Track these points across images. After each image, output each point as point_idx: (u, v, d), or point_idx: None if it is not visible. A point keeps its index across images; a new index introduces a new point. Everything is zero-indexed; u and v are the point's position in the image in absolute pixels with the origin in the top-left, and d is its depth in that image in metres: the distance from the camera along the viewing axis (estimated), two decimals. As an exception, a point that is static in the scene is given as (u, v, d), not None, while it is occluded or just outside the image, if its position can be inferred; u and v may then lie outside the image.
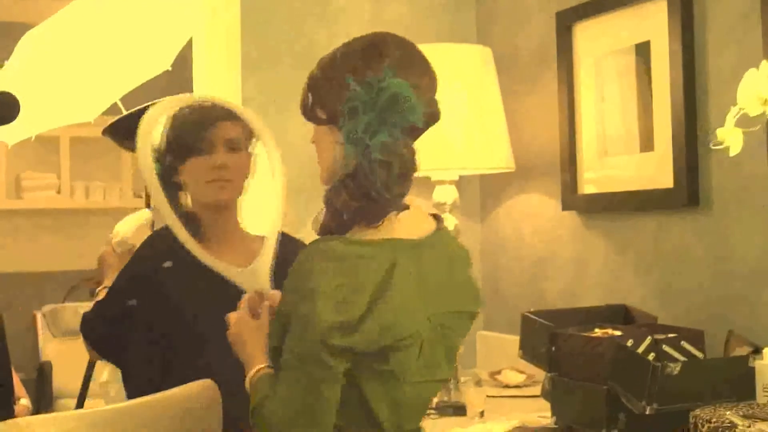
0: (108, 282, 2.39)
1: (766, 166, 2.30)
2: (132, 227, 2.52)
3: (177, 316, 2.17)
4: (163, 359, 2.17)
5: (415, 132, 1.63)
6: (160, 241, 2.23)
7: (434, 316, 1.64)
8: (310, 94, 1.68)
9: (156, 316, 2.19)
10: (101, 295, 2.38)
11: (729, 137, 1.49)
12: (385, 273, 1.55)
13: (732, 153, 1.52)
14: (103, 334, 2.30)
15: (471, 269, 1.76)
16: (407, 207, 1.66)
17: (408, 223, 1.64)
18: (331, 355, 1.53)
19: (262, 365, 1.67)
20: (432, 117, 1.67)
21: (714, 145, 1.52)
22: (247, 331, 1.73)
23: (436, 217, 1.73)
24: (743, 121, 1.55)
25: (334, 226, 1.60)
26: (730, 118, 1.50)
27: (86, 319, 2.34)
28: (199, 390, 2.01)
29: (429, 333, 1.62)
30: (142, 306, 2.21)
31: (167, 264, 2.19)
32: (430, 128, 1.68)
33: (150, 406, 1.95)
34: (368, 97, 1.56)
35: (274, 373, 1.63)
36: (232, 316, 1.77)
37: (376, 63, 1.60)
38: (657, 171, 2.65)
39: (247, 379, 1.68)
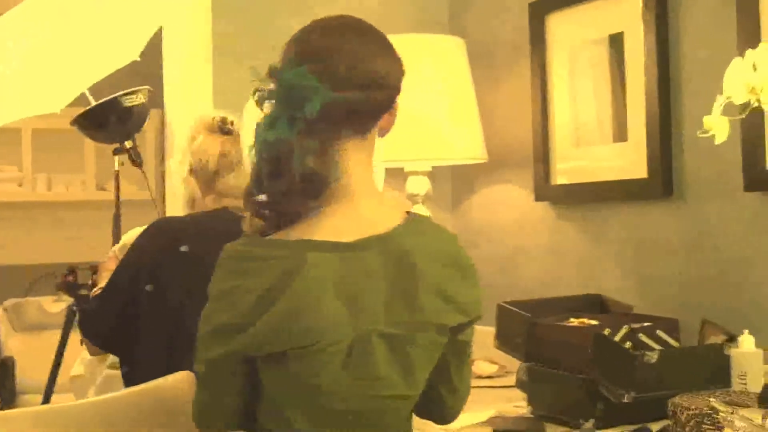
0: (103, 283, 2.38)
1: (738, 155, 2.32)
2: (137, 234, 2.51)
3: (190, 301, 2.14)
4: (172, 347, 2.16)
5: (320, 125, 1.46)
6: (167, 226, 2.29)
7: (374, 324, 1.48)
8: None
9: (170, 302, 2.19)
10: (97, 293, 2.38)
11: (715, 126, 1.50)
12: (282, 275, 1.43)
13: (718, 141, 1.53)
14: (112, 327, 2.28)
15: (461, 277, 1.57)
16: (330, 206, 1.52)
17: (342, 224, 1.51)
18: (223, 356, 1.46)
19: None
20: (345, 108, 1.48)
21: (700, 134, 1.53)
22: None
23: (409, 216, 1.57)
24: (727, 110, 1.56)
25: (259, 225, 1.52)
26: (717, 107, 1.51)
27: (89, 313, 2.32)
28: (175, 382, 1.99)
29: (364, 344, 1.47)
30: (156, 292, 2.20)
31: (184, 248, 2.19)
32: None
33: (123, 400, 1.93)
34: (269, 90, 1.47)
35: None
36: None
37: (287, 52, 1.52)
38: (631, 161, 2.66)
39: None
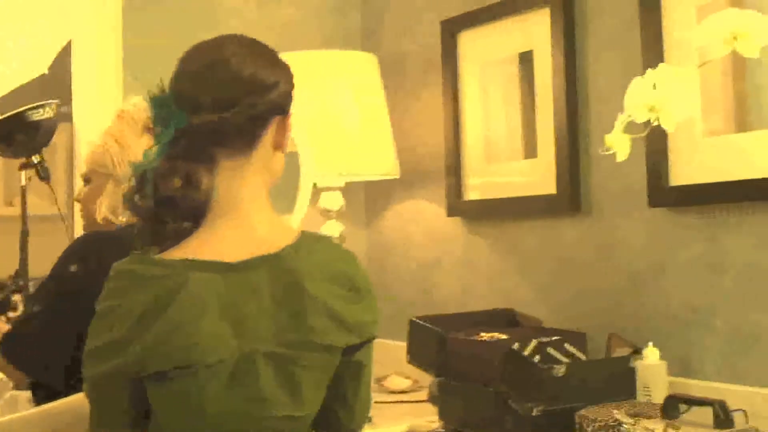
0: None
1: (643, 172, 2.38)
2: None
3: None
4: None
5: (186, 148, 1.50)
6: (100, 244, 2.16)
7: (259, 344, 1.47)
8: None
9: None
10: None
11: (617, 143, 1.53)
12: (163, 294, 1.43)
13: (619, 159, 1.57)
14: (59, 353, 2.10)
15: (354, 297, 1.55)
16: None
17: (230, 244, 1.51)
18: (106, 373, 1.45)
19: None
20: (207, 129, 1.50)
21: (603, 151, 1.56)
22: None
23: (302, 235, 1.57)
24: (627, 128, 1.59)
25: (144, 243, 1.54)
26: (618, 125, 1.55)
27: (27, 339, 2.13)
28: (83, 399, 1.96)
29: (249, 364, 1.46)
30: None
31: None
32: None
33: (61, 411, 1.90)
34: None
35: None
36: None
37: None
38: (540, 177, 2.70)
39: None
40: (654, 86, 1.52)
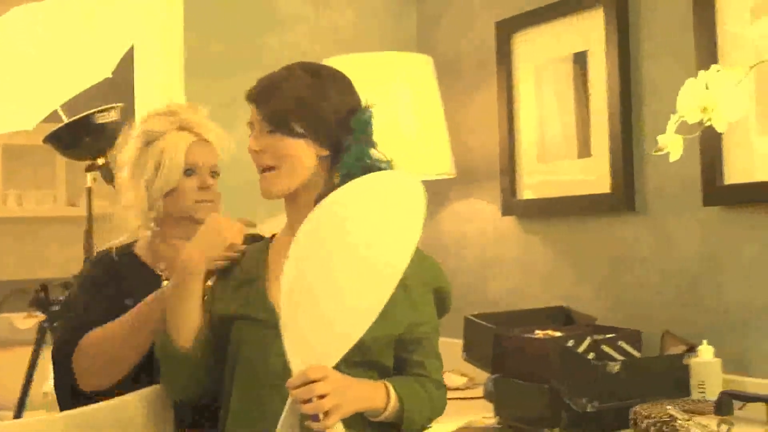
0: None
1: (698, 171, 2.39)
2: None
3: None
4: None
5: None
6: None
7: None
8: (288, 107, 1.81)
9: None
10: None
11: (670, 143, 1.56)
12: None
13: (672, 159, 1.59)
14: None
15: None
16: None
17: None
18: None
19: None
20: None
21: (656, 152, 1.58)
22: None
23: None
24: (681, 128, 1.62)
25: None
26: (671, 125, 1.57)
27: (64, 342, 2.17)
28: (148, 396, 2.02)
29: None
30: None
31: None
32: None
33: (94, 414, 1.96)
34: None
35: None
36: None
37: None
38: (595, 176, 2.73)
39: None
40: (706, 87, 1.54)
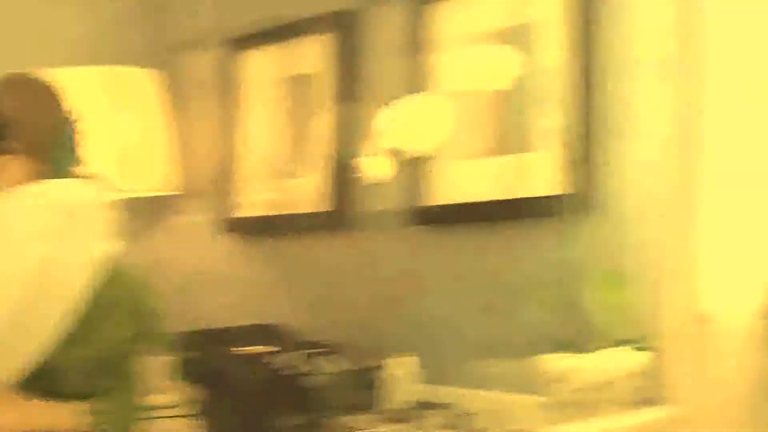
0: None
1: (406, 192, 2.49)
2: None
3: None
4: None
5: None
6: None
7: None
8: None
9: None
10: None
11: (374, 166, 1.62)
12: None
13: (377, 180, 1.64)
14: None
15: None
16: None
17: None
18: None
19: None
20: None
21: (359, 174, 1.65)
22: None
23: None
24: (385, 152, 1.69)
25: None
26: (371, 150, 1.63)
27: None
28: None
29: None
30: None
31: None
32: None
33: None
34: None
35: None
36: None
37: None
38: (312, 195, 2.80)
39: None
40: (402, 115, 1.62)
